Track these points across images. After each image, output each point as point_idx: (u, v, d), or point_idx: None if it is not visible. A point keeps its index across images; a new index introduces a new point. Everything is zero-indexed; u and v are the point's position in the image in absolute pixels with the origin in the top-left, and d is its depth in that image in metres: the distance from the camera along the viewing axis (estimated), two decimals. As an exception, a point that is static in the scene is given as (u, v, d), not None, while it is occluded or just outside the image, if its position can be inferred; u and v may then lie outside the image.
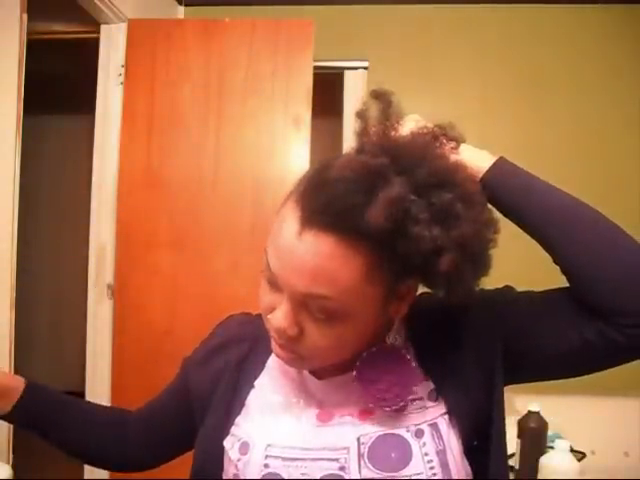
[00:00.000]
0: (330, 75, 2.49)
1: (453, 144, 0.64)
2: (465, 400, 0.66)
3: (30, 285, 3.10)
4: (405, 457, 0.63)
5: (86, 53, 2.29)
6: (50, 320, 3.91)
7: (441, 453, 0.63)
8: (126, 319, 2.12)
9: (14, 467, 1.39)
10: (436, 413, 0.66)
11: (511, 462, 1.68)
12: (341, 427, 0.66)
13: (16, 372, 1.68)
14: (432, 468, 0.62)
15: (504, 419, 0.69)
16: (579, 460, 1.66)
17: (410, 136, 0.62)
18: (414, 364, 0.67)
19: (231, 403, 0.72)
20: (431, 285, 0.62)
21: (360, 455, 0.63)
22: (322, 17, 2.24)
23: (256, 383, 0.73)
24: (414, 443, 0.64)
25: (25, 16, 1.64)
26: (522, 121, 2.38)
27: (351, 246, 0.55)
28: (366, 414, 0.67)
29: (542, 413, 1.74)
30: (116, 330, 2.15)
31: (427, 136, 0.62)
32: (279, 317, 0.60)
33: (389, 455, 0.63)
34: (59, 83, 3.41)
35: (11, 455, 1.64)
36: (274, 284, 0.61)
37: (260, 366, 0.74)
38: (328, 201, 0.55)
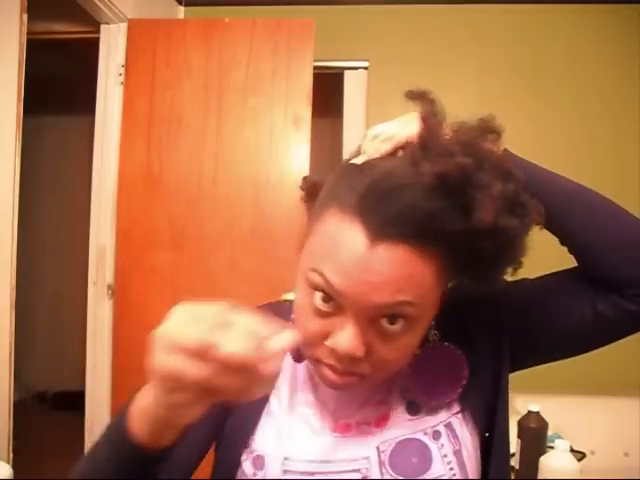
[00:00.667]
0: (330, 75, 2.49)
1: (495, 136, 0.62)
2: (477, 394, 0.66)
3: (30, 285, 3.10)
4: (426, 461, 0.63)
5: (86, 53, 2.29)
6: (50, 320, 3.92)
7: (458, 453, 0.64)
8: (126, 319, 2.12)
9: (14, 467, 1.40)
10: (449, 412, 0.66)
11: (511, 462, 1.68)
12: (359, 437, 0.65)
13: (16, 372, 1.68)
14: (452, 469, 0.63)
15: (507, 409, 0.70)
16: (579, 460, 1.66)
17: (460, 131, 0.59)
18: (464, 359, 0.66)
19: (248, 412, 0.69)
20: (472, 276, 0.61)
21: (381, 463, 0.63)
22: (322, 17, 2.24)
23: (270, 397, 0.70)
24: (432, 446, 0.64)
25: (25, 16, 1.64)
26: (522, 121, 2.38)
27: (427, 250, 0.54)
28: (382, 421, 0.66)
29: (542, 413, 1.74)
30: (116, 330, 2.15)
31: (474, 131, 0.60)
32: (345, 341, 0.54)
33: (410, 460, 0.63)
34: (59, 83, 3.41)
35: (11, 455, 1.64)
36: (334, 306, 0.55)
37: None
38: (402, 210, 0.52)
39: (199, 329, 0.39)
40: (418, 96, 0.62)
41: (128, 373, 2.21)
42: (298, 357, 0.68)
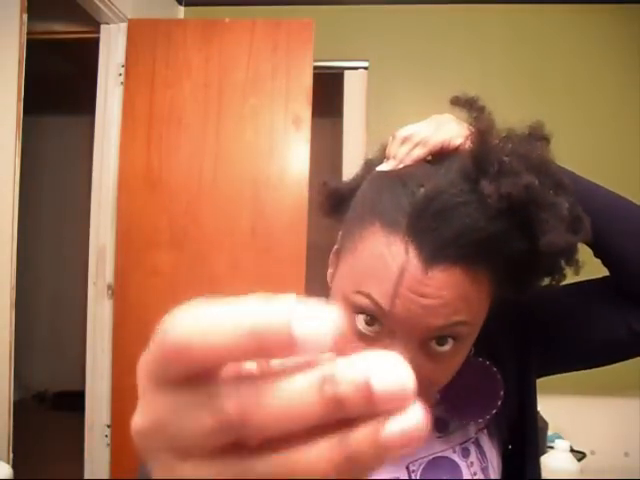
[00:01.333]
0: (330, 75, 2.49)
1: (545, 143, 0.59)
2: (503, 406, 0.64)
3: (30, 285, 3.10)
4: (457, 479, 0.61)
5: (86, 53, 2.29)
6: (50, 320, 3.92)
7: (485, 470, 0.63)
8: (126, 319, 2.12)
9: (14, 467, 1.40)
10: (476, 428, 0.65)
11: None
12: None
13: (16, 372, 1.68)
14: None
15: (537, 420, 0.69)
16: (579, 460, 1.66)
17: (513, 141, 0.55)
18: (499, 376, 0.63)
19: None
20: (514, 288, 0.58)
21: None
22: (322, 17, 2.24)
23: None
24: (462, 464, 0.62)
25: (25, 16, 1.64)
26: (522, 120, 2.38)
27: (482, 269, 0.52)
28: None
29: (542, 413, 1.74)
30: (116, 330, 2.15)
31: (526, 140, 0.57)
32: None
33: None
34: (59, 83, 3.41)
35: (11, 455, 1.64)
36: (379, 329, 0.53)
37: None
38: (460, 232, 0.49)
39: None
40: (466, 103, 0.58)
41: (128, 373, 2.22)
42: None
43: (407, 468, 0.61)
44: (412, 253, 0.49)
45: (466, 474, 0.61)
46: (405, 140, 0.58)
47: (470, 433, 0.64)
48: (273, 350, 0.20)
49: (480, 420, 0.63)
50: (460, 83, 2.89)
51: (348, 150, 2.48)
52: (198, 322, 0.20)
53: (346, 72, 2.53)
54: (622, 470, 1.98)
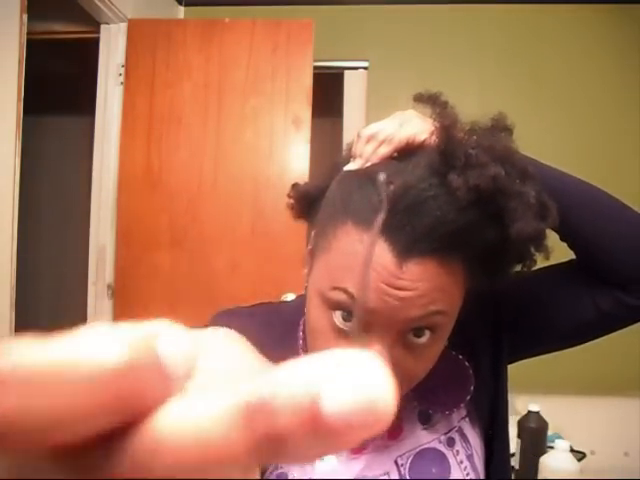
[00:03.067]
0: (330, 75, 2.49)
1: (509, 134, 0.60)
2: (480, 394, 0.66)
3: (30, 285, 3.10)
4: (445, 469, 0.63)
5: (86, 53, 2.29)
6: (50, 320, 3.92)
7: (470, 457, 0.64)
8: (126, 319, 2.11)
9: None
10: (459, 417, 0.66)
11: (511, 462, 1.68)
12: (375, 453, 0.64)
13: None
14: (468, 474, 0.63)
15: (507, 402, 0.70)
16: (579, 460, 1.66)
17: (477, 134, 0.56)
18: (467, 363, 0.65)
19: None
20: (487, 277, 0.59)
21: (402, 477, 0.62)
22: (322, 17, 2.24)
23: None
24: (449, 453, 0.63)
25: (25, 16, 1.64)
26: (523, 120, 2.37)
27: (455, 260, 0.53)
28: (396, 432, 0.65)
29: (542, 413, 1.74)
30: (116, 330, 2.15)
31: (490, 132, 0.57)
32: None
33: (430, 471, 0.62)
34: (59, 83, 3.41)
35: (11, 455, 1.64)
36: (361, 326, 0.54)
37: None
38: (431, 225, 0.50)
39: None
40: (429, 100, 0.59)
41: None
42: None
43: (395, 462, 0.63)
44: (386, 249, 0.51)
45: (453, 463, 0.63)
46: (370, 139, 0.58)
47: (453, 422, 0.65)
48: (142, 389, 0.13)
49: (454, 409, 0.64)
50: (459, 83, 2.90)
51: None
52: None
53: (346, 72, 2.53)
54: (622, 470, 1.98)
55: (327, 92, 2.33)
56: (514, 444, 1.70)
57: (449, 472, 0.62)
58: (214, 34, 2.15)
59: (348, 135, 2.51)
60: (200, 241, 2.12)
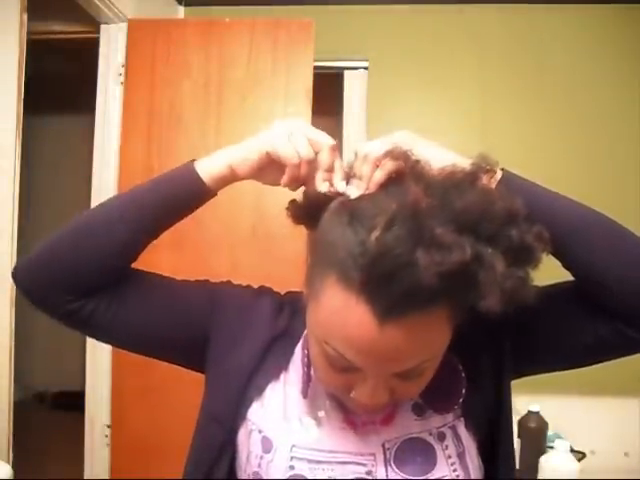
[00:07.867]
0: (330, 75, 2.49)
1: (491, 174, 0.62)
2: (478, 403, 0.67)
3: (30, 285, 3.09)
4: (430, 461, 0.64)
5: (86, 53, 2.29)
6: (50, 320, 3.91)
7: (461, 455, 0.65)
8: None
9: (14, 467, 1.39)
10: (454, 416, 0.67)
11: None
12: (366, 433, 0.66)
13: (16, 372, 1.68)
14: (455, 471, 0.64)
15: (512, 421, 0.70)
16: (579, 460, 1.66)
17: (450, 197, 0.55)
18: (463, 374, 0.66)
19: (252, 379, 0.70)
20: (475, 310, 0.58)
21: (387, 460, 0.64)
22: (322, 17, 2.24)
23: (281, 376, 0.70)
24: (437, 446, 0.64)
25: (25, 16, 1.64)
26: (522, 121, 2.38)
27: (436, 311, 0.54)
28: (388, 419, 0.66)
29: (542, 413, 1.74)
30: (116, 330, 2.15)
31: (467, 177, 0.58)
32: (368, 395, 0.58)
33: (415, 459, 0.64)
34: (59, 83, 3.41)
35: (11, 455, 1.64)
36: (348, 368, 0.58)
37: (286, 357, 0.72)
38: (408, 290, 0.50)
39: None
40: (401, 156, 0.61)
41: (128, 373, 2.22)
42: (305, 392, 0.68)
43: (382, 446, 0.65)
44: (367, 313, 0.53)
45: (440, 456, 0.64)
46: (365, 159, 0.64)
47: (447, 419, 0.66)
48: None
49: (451, 410, 0.66)
50: (459, 83, 2.90)
51: (348, 150, 2.48)
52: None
53: (346, 72, 2.53)
54: (622, 470, 1.98)
55: (327, 92, 2.33)
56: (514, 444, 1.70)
57: (434, 464, 0.63)
58: (214, 34, 2.14)
59: (348, 135, 2.51)
60: (201, 241, 2.12)
